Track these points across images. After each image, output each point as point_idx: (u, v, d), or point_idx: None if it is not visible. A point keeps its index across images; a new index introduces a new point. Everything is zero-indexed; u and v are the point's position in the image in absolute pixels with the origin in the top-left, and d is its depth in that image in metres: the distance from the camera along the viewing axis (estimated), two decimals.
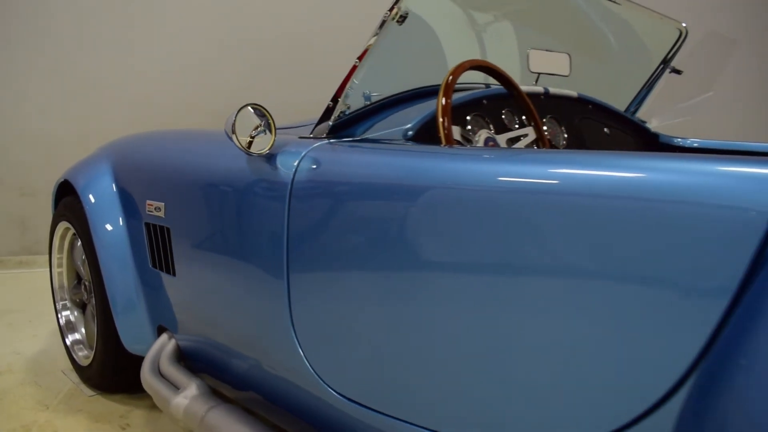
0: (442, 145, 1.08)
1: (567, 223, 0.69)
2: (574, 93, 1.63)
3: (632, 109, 2.00)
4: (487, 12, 1.64)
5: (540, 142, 1.33)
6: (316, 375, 1.06)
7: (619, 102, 1.97)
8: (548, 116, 1.51)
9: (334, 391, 1.02)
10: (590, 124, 1.66)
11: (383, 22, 1.09)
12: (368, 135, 1.20)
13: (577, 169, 0.74)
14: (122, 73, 4.10)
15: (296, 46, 4.41)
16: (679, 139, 1.86)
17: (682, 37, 1.85)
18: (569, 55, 1.52)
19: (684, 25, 1.83)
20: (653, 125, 1.94)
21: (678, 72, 1.91)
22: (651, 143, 1.85)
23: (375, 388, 0.96)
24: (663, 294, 0.62)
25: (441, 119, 1.07)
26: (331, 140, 1.16)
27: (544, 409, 0.73)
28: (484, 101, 1.34)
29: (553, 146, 1.49)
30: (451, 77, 1.14)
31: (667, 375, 0.61)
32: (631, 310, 0.64)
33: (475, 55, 1.60)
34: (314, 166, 1.07)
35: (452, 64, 1.25)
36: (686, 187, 0.63)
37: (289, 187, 1.09)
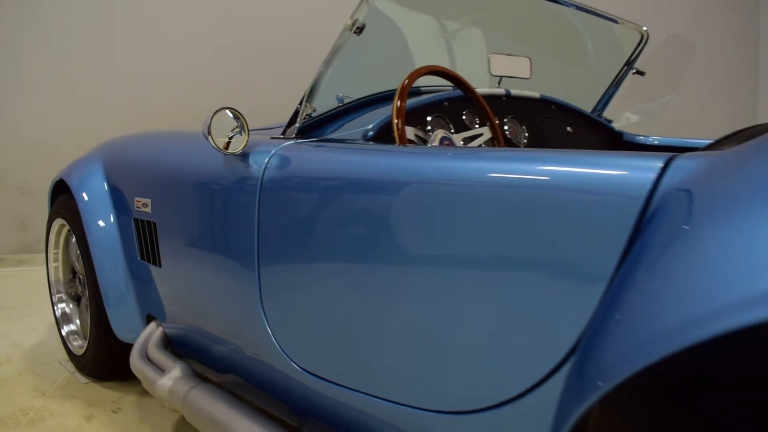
0: (396, 145, 1.18)
1: (480, 212, 0.79)
2: (536, 94, 1.73)
3: (599, 109, 2.10)
4: (455, 19, 1.74)
5: (495, 140, 1.43)
6: (284, 354, 1.16)
7: (587, 102, 2.07)
8: (510, 116, 1.62)
9: (300, 367, 1.13)
10: (553, 124, 1.76)
11: (343, 32, 1.20)
12: (334, 135, 1.30)
13: (491, 163, 0.85)
14: (117, 77, 4.21)
15: (287, 49, 4.51)
16: (641, 137, 1.96)
17: (643, 40, 1.95)
18: (530, 59, 1.62)
19: (645, 28, 1.93)
20: (620, 125, 2.04)
21: (641, 73, 2.01)
22: (614, 141, 1.95)
23: (334, 364, 1.07)
24: (557, 275, 0.72)
25: (395, 121, 1.18)
26: (299, 140, 1.27)
27: (469, 377, 0.83)
28: (445, 103, 1.45)
29: (513, 144, 1.59)
30: (406, 81, 1.25)
31: (557, 349, 0.71)
32: (534, 290, 0.74)
33: (442, 60, 1.70)
34: (282, 164, 1.17)
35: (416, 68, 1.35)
36: (577, 178, 0.73)
37: (259, 182, 1.19)
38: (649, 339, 0.49)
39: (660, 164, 0.66)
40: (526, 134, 1.64)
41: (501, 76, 1.64)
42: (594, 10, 1.82)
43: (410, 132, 1.22)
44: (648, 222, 0.64)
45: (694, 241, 0.52)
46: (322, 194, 1.07)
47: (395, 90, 1.27)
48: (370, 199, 0.97)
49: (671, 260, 0.54)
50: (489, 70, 1.56)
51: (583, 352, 0.66)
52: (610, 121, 2.02)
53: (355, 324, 1.00)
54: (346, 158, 1.08)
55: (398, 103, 1.19)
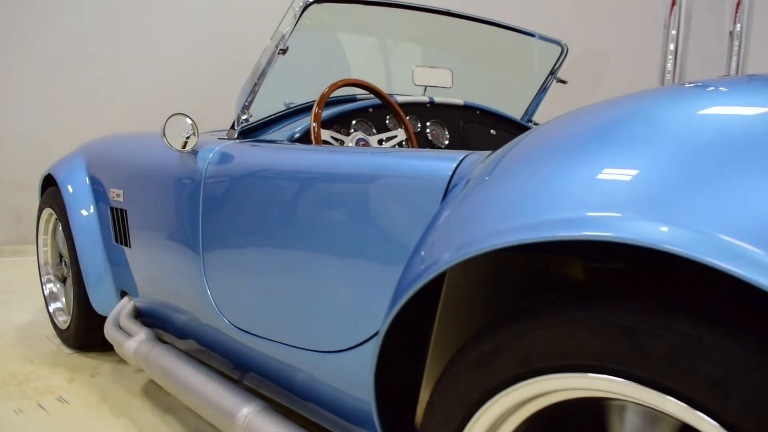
0: (310, 145, 1.44)
1: (339, 193, 1.07)
2: (460, 101, 1.99)
3: (529, 114, 2.36)
4: (391, 37, 2.00)
5: (409, 141, 1.69)
6: (222, 315, 1.42)
7: (520, 108, 2.33)
8: (433, 120, 1.88)
9: (233, 325, 1.39)
10: (477, 127, 2.02)
11: (269, 52, 1.45)
12: (268, 137, 1.56)
13: (349, 156, 1.13)
14: (108, 81, 4.47)
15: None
16: None
17: (563, 53, 2.21)
18: (451, 70, 1.88)
19: (564, 42, 2.19)
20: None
21: (563, 82, 2.27)
22: None
23: (256, 320, 1.32)
24: (396, 242, 0.98)
25: (312, 125, 1.43)
26: (238, 141, 1.53)
27: (340, 325, 1.10)
28: (370, 110, 1.71)
29: (433, 145, 1.85)
30: (327, 90, 1.51)
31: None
32: (379, 253, 1.00)
33: (378, 74, 1.97)
34: (220, 160, 1.43)
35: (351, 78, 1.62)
36: (397, 167, 1.00)
37: (203, 175, 1.45)
38: (449, 248, 0.73)
39: (461, 156, 0.93)
40: (448, 136, 1.90)
41: (426, 86, 1.90)
42: (520, 29, 2.08)
43: (327, 134, 1.48)
44: (451, 189, 0.91)
45: (474, 196, 0.78)
46: (246, 185, 1.33)
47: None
48: (277, 187, 1.23)
49: (464, 205, 0.79)
50: (413, 80, 1.82)
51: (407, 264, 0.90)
52: (536, 124, 2.28)
53: (267, 288, 1.27)
54: (266, 155, 1.34)
55: (316, 110, 1.45)
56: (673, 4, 1.26)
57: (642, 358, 0.57)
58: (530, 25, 2.16)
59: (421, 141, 1.85)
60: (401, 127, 1.69)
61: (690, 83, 0.72)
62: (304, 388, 1.22)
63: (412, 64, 2.05)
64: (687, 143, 0.60)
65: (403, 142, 1.68)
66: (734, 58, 1.27)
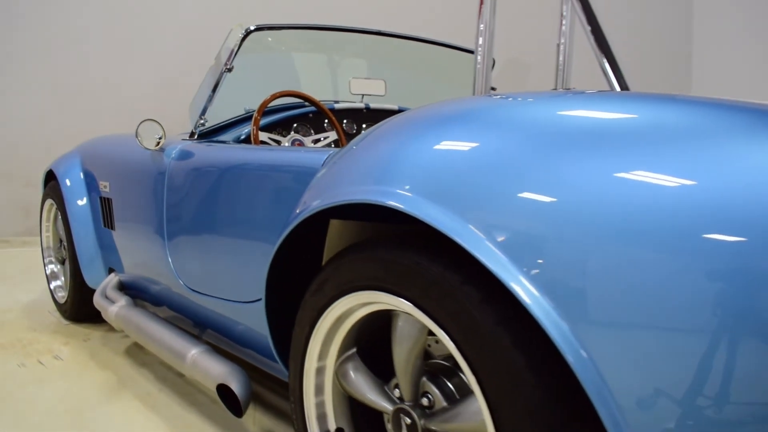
0: (249, 144, 1.80)
1: (249, 181, 1.42)
2: (395, 106, 2.33)
3: None
4: (338, 54, 2.35)
5: (340, 142, 2.04)
6: (180, 281, 1.78)
7: None
8: (369, 123, 2.22)
9: (188, 287, 1.74)
10: None
11: (214, 70, 1.81)
12: (221, 138, 1.92)
13: (257, 153, 1.48)
14: (110, 86, 4.86)
15: None
16: None
17: (492, 65, 2.54)
18: (385, 81, 2.22)
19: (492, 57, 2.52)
20: None
21: (493, 89, 2.60)
22: None
23: (203, 281, 1.68)
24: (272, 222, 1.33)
25: (252, 128, 1.79)
26: (196, 141, 1.88)
27: (252, 280, 1.44)
28: (310, 115, 2.06)
29: None
30: (267, 99, 1.86)
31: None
32: (271, 230, 1.35)
33: (325, 85, 2.32)
34: (179, 156, 1.79)
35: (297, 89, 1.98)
36: (291, 159, 1.35)
37: (167, 169, 1.81)
38: (312, 201, 1.07)
39: (332, 151, 1.28)
40: None
41: (363, 94, 2.25)
42: (454, 45, 2.43)
43: (265, 136, 1.83)
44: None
45: (333, 167, 1.12)
46: (197, 176, 1.68)
47: (269, 108, 1.88)
48: (217, 178, 1.59)
49: (322, 177, 1.12)
50: (349, 90, 2.17)
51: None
52: None
53: (211, 256, 1.62)
54: (213, 152, 1.70)
55: (256, 116, 1.80)
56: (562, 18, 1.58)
57: (391, 277, 0.91)
58: (464, 42, 2.49)
59: None
60: (333, 129, 2.04)
61: (497, 95, 1.02)
62: (232, 332, 1.57)
63: (360, 75, 2.40)
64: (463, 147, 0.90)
65: (332, 143, 2.03)
66: (559, 72, 1.57)
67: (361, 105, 2.23)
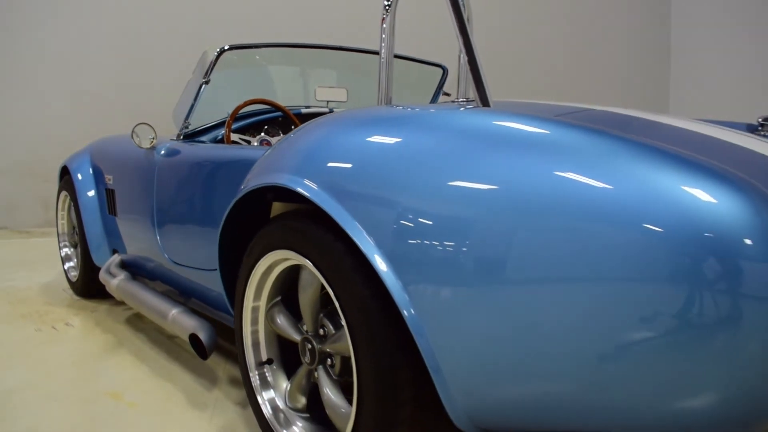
0: (222, 144, 2.17)
1: (216, 174, 1.78)
2: None
3: None
4: (310, 66, 2.72)
5: None
6: (167, 258, 2.16)
7: None
8: None
9: (172, 260, 2.13)
10: None
11: (193, 82, 2.19)
12: (203, 138, 2.30)
13: (223, 151, 1.85)
14: (122, 90, 5.29)
15: None
16: None
17: (445, 73, 2.90)
18: (347, 89, 2.58)
19: (444, 65, 2.88)
20: None
21: (447, 94, 2.96)
22: None
23: (183, 255, 2.06)
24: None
25: (225, 129, 2.16)
26: (182, 141, 2.26)
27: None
28: (280, 119, 2.43)
29: None
30: (239, 105, 2.23)
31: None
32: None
33: (296, 93, 2.70)
34: (167, 154, 2.17)
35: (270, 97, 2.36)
36: (246, 156, 1.71)
37: (157, 164, 2.19)
38: (259, 177, 1.45)
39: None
40: None
41: (328, 101, 2.61)
42: (411, 57, 2.78)
43: (236, 137, 2.21)
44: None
45: (268, 156, 1.48)
46: (179, 170, 2.06)
47: (242, 113, 2.26)
48: (194, 171, 1.97)
49: (261, 162, 1.49)
50: (315, 97, 2.53)
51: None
52: None
53: (187, 234, 2.00)
54: (192, 150, 2.08)
55: (228, 120, 2.18)
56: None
57: (293, 239, 1.28)
58: (421, 53, 2.85)
59: None
60: None
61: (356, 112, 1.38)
62: (207, 296, 1.95)
63: (326, 84, 2.77)
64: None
65: None
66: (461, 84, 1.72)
67: (326, 109, 2.60)
